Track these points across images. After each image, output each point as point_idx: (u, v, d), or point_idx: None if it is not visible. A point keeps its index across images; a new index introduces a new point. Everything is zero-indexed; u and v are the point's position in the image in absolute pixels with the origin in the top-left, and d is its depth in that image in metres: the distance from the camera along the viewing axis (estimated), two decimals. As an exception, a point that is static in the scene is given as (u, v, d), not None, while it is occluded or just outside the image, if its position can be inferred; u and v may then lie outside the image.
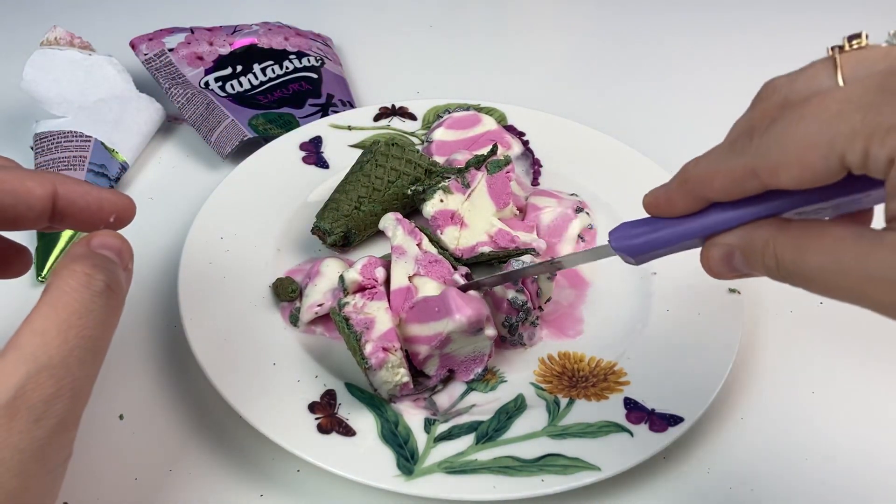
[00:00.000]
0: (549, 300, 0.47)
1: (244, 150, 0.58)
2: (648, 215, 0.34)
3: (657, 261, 0.50)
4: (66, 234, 0.51)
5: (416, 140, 0.60)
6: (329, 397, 0.41)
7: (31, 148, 0.58)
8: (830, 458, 0.42)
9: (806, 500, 0.40)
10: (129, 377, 0.44)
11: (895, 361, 0.47)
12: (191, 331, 0.43)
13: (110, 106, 0.60)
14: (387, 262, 0.45)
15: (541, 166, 0.58)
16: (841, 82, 0.28)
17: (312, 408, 0.41)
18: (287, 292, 0.47)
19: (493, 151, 0.51)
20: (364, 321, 0.41)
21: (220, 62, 0.66)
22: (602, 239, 0.53)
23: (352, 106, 0.66)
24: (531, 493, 0.37)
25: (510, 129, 0.61)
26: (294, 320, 0.46)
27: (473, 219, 0.48)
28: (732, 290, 0.47)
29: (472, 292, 0.42)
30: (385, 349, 0.40)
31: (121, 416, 0.42)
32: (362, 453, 0.39)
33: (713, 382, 0.42)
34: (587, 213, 0.54)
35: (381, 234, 0.53)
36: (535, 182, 0.57)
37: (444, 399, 0.43)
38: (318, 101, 0.65)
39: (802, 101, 0.27)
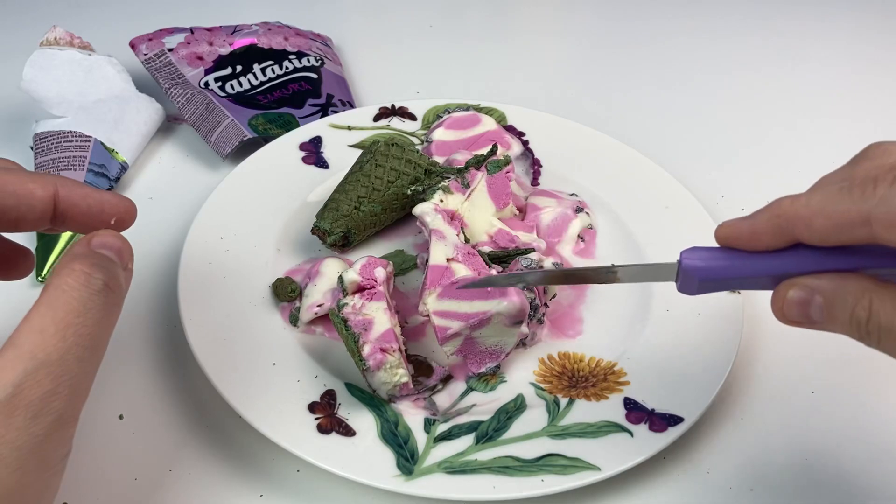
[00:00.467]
0: (554, 296, 0.47)
1: (244, 150, 0.58)
2: (717, 245, 0.33)
3: (657, 261, 0.50)
4: (66, 234, 0.51)
5: (415, 140, 0.60)
6: (329, 397, 0.41)
7: (31, 148, 0.58)
8: (830, 458, 0.42)
9: (806, 500, 0.40)
10: (129, 377, 0.44)
11: (895, 361, 0.47)
12: (191, 331, 0.43)
13: (110, 106, 0.60)
14: (386, 263, 0.45)
15: (540, 166, 0.58)
16: None
17: (312, 408, 0.41)
18: (287, 292, 0.47)
19: (493, 151, 0.51)
20: (362, 322, 0.41)
21: (220, 62, 0.66)
22: (603, 239, 0.53)
23: (352, 106, 0.66)
24: (531, 493, 0.37)
25: (510, 129, 0.61)
26: (294, 320, 0.46)
27: (473, 219, 0.48)
28: (733, 290, 0.47)
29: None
30: (383, 350, 0.40)
31: (121, 416, 0.42)
32: (362, 453, 0.39)
33: (713, 382, 0.42)
34: (587, 213, 0.54)
35: (380, 233, 0.53)
36: (534, 182, 0.57)
37: (443, 399, 0.43)
38: (318, 101, 0.65)
39: None
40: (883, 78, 0.76)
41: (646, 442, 0.40)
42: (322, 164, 0.57)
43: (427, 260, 0.46)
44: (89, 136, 0.57)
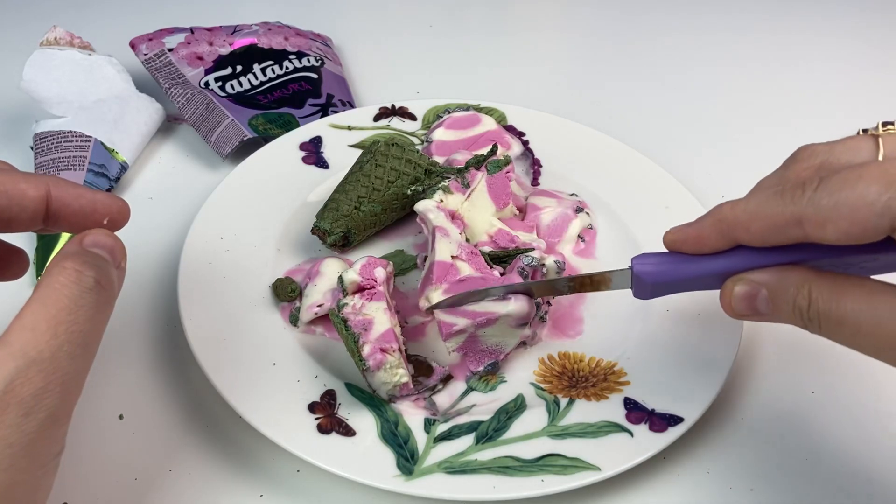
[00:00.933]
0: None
1: (244, 150, 0.58)
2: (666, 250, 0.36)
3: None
4: (66, 235, 0.51)
5: (415, 140, 0.60)
6: (329, 397, 0.41)
7: (31, 148, 0.58)
8: (830, 458, 0.42)
9: (806, 501, 0.40)
10: (129, 377, 0.44)
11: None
12: (190, 331, 0.43)
13: (110, 106, 0.60)
14: (386, 263, 0.45)
15: (540, 166, 0.58)
16: (881, 157, 0.31)
17: (312, 408, 0.41)
18: (287, 292, 0.47)
19: (493, 151, 0.51)
20: (362, 322, 0.41)
21: (220, 62, 0.66)
22: (603, 239, 0.53)
23: (352, 106, 0.66)
24: (531, 493, 0.37)
25: (510, 129, 0.61)
26: (294, 320, 0.46)
27: (473, 219, 0.48)
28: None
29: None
30: (383, 350, 0.40)
31: (121, 416, 0.42)
32: (362, 453, 0.39)
33: (713, 382, 0.42)
34: (587, 214, 0.54)
35: (381, 233, 0.53)
36: (534, 182, 0.57)
37: (443, 399, 0.43)
38: (318, 101, 0.65)
39: (858, 165, 0.29)
40: (883, 78, 0.76)
41: (646, 442, 0.40)
42: (322, 164, 0.57)
43: (427, 258, 0.46)
44: (89, 136, 0.57)
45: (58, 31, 0.61)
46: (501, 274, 0.45)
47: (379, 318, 0.41)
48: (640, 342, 0.46)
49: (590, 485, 0.38)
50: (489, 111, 0.62)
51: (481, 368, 0.44)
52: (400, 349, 0.41)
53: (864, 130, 0.34)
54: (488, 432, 0.40)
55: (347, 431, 0.40)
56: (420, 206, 0.46)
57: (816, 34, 0.82)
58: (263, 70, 0.66)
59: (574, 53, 0.80)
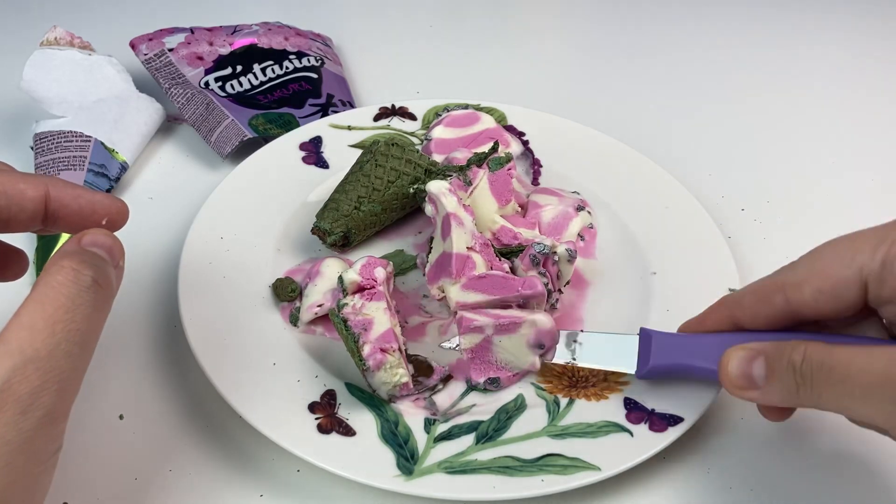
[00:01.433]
0: (567, 283, 0.47)
1: (244, 150, 0.58)
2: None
3: (657, 260, 0.50)
4: (65, 235, 0.51)
5: (415, 140, 0.60)
6: (329, 397, 0.41)
7: (31, 148, 0.58)
8: (830, 458, 0.42)
9: (806, 501, 0.40)
10: (129, 377, 0.44)
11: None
12: (191, 331, 0.43)
13: (110, 106, 0.60)
14: (386, 263, 0.45)
15: (541, 166, 0.58)
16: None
17: (312, 408, 0.41)
18: (287, 292, 0.47)
19: (495, 149, 0.51)
20: (362, 322, 0.41)
21: (220, 62, 0.66)
22: (603, 239, 0.53)
23: (352, 106, 0.66)
24: (531, 493, 0.37)
25: (510, 129, 0.61)
26: (294, 320, 0.46)
27: (476, 216, 0.48)
28: (733, 290, 0.47)
29: None
30: (383, 350, 0.40)
31: (121, 416, 0.42)
32: (362, 453, 0.39)
33: (713, 382, 0.42)
34: (588, 212, 0.54)
35: (381, 233, 0.53)
36: (535, 182, 0.57)
37: (444, 399, 0.43)
38: (318, 101, 0.65)
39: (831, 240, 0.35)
40: (883, 78, 0.76)
41: (646, 442, 0.40)
42: (322, 164, 0.57)
43: (433, 239, 0.46)
44: (89, 136, 0.57)
45: (58, 31, 0.61)
46: (510, 268, 0.45)
47: (379, 318, 0.41)
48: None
49: (590, 485, 0.38)
50: (489, 111, 0.62)
51: (481, 381, 0.43)
52: (400, 349, 0.41)
53: None
54: (488, 432, 0.40)
55: (347, 431, 0.40)
56: (433, 186, 0.46)
57: (817, 34, 0.82)
58: (263, 70, 0.66)
59: (574, 53, 0.80)
